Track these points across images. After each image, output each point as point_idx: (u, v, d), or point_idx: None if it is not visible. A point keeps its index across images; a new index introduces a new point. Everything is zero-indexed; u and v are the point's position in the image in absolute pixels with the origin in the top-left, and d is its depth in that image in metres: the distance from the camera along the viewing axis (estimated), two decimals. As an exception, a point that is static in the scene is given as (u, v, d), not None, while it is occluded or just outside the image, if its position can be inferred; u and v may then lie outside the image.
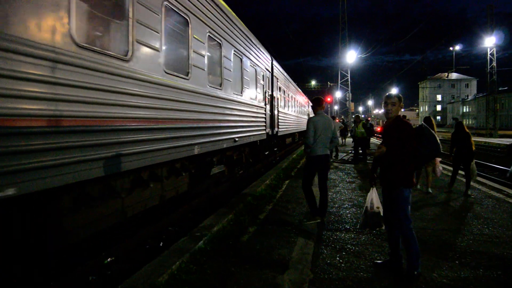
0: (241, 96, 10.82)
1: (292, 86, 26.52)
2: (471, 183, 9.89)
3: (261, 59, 14.26)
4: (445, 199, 9.12)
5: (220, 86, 8.86)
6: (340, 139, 27.26)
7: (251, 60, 12.32)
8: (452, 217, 7.37)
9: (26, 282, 4.25)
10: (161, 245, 6.50)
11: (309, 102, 41.46)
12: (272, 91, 16.72)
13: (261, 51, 14.33)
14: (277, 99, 18.14)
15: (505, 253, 5.39)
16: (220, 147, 8.95)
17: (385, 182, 4.78)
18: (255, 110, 12.69)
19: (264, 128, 14.26)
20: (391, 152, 4.65)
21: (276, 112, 17.41)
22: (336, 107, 71.91)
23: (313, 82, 79.83)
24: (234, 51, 10.22)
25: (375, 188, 5.04)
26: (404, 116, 8.74)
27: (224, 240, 5.85)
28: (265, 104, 14.63)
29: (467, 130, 9.77)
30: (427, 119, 9.43)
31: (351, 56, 46.59)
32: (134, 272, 4.48)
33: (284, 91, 21.52)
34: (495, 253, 5.39)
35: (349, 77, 49.12)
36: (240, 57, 10.93)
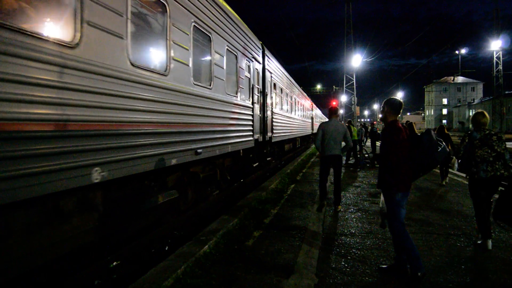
0: (209, 88, 7.87)
1: (293, 84, 23.49)
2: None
3: (245, 44, 11.09)
4: (448, 202, 9.07)
5: (165, 71, 6.01)
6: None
7: (227, 41, 9.19)
8: (457, 221, 7.33)
9: (30, 284, 4.27)
10: (166, 249, 6.52)
11: (313, 105, 41.05)
12: (263, 87, 13.76)
13: (245, 33, 11.05)
14: (271, 97, 15.22)
15: (511, 257, 5.37)
16: (165, 164, 6.03)
17: (380, 183, 4.86)
18: (235, 110, 9.74)
19: (251, 133, 11.40)
20: (383, 156, 4.75)
21: (269, 114, 14.56)
22: (341, 111, 71.85)
23: (319, 86, 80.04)
24: (196, 23, 7.13)
25: None
26: (410, 122, 8.86)
27: (229, 244, 5.86)
28: (253, 103, 11.78)
29: (447, 132, 12.02)
30: (410, 126, 10.60)
31: (357, 60, 46.58)
32: (139, 276, 4.50)
33: (281, 89, 18.30)
34: (501, 258, 5.37)
35: (354, 81, 49.09)
36: (208, 33, 7.84)
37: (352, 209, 8.48)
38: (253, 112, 11.69)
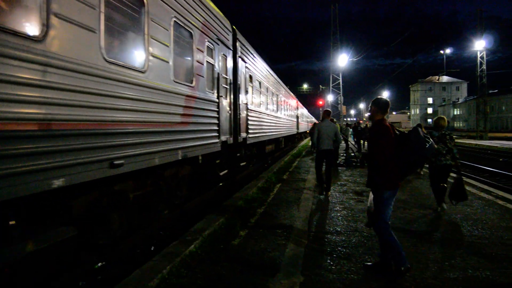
0: (141, 72, 5.63)
1: (275, 79, 21.45)
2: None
3: (207, 21, 8.74)
4: (433, 199, 9.15)
5: (39, 35, 3.82)
6: None
7: (176, 11, 6.95)
8: (442, 219, 7.43)
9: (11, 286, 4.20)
10: (152, 249, 6.49)
11: (299, 104, 40.68)
12: (235, 78, 11.48)
13: (205, 7, 8.70)
14: (247, 91, 13.03)
15: (493, 253, 5.45)
16: (36, 188, 3.78)
17: (369, 182, 4.91)
18: (190, 105, 7.51)
19: (215, 134, 9.26)
20: (371, 155, 4.82)
21: (244, 111, 12.42)
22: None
23: (305, 86, 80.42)
24: None
25: None
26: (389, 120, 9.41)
27: (215, 244, 5.86)
28: (219, 97, 9.59)
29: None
30: None
31: (343, 60, 46.78)
32: (125, 277, 4.48)
33: (260, 83, 16.11)
34: (484, 254, 5.44)
35: (341, 81, 49.31)
36: None
37: (338, 207, 8.52)
38: (219, 108, 9.56)
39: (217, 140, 9.37)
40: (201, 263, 5.09)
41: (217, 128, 9.42)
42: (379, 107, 4.97)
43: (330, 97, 57.26)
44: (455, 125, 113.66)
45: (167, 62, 6.59)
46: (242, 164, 12.81)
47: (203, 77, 8.41)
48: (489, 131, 53.49)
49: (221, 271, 4.86)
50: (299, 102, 41.13)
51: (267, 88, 18.01)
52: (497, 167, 19.93)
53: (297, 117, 35.88)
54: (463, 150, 34.15)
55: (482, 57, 48.20)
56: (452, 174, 9.18)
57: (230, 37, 11.17)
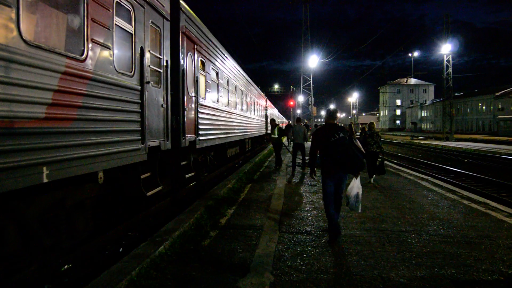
0: None
1: (239, 72, 18.99)
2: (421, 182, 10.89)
3: None
4: (402, 199, 9.34)
5: None
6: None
7: None
8: (409, 218, 7.57)
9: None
10: (120, 250, 6.39)
11: (268, 103, 39.78)
12: (175, 60, 8.82)
13: None
14: (196, 81, 10.29)
15: (458, 252, 5.60)
16: None
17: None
18: (75, 90, 4.73)
19: (137, 137, 6.59)
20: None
21: (192, 106, 9.94)
22: (298, 111, 72.71)
23: (276, 86, 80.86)
24: None
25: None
26: (350, 123, 10.95)
27: (185, 244, 5.81)
28: (144, 83, 6.81)
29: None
30: (350, 126, 15.54)
31: (314, 61, 47.17)
32: (92, 279, 4.39)
33: (218, 74, 13.39)
34: (450, 252, 5.58)
35: (311, 81, 49.73)
36: None
37: (308, 207, 8.58)
38: (143, 99, 6.82)
39: (139, 146, 6.66)
40: (171, 264, 5.06)
41: (140, 128, 6.72)
42: (328, 114, 6.78)
43: (301, 98, 57.71)
44: (423, 126, 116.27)
45: (7, 5, 3.63)
46: (188, 175, 9.82)
47: (108, 48, 5.65)
48: (455, 132, 54.91)
49: (191, 272, 4.82)
50: (269, 102, 40.81)
51: (227, 81, 15.33)
52: (463, 168, 20.50)
53: (266, 117, 35.15)
54: (430, 151, 35.00)
55: (448, 61, 49.45)
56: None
57: (166, 3, 8.28)
